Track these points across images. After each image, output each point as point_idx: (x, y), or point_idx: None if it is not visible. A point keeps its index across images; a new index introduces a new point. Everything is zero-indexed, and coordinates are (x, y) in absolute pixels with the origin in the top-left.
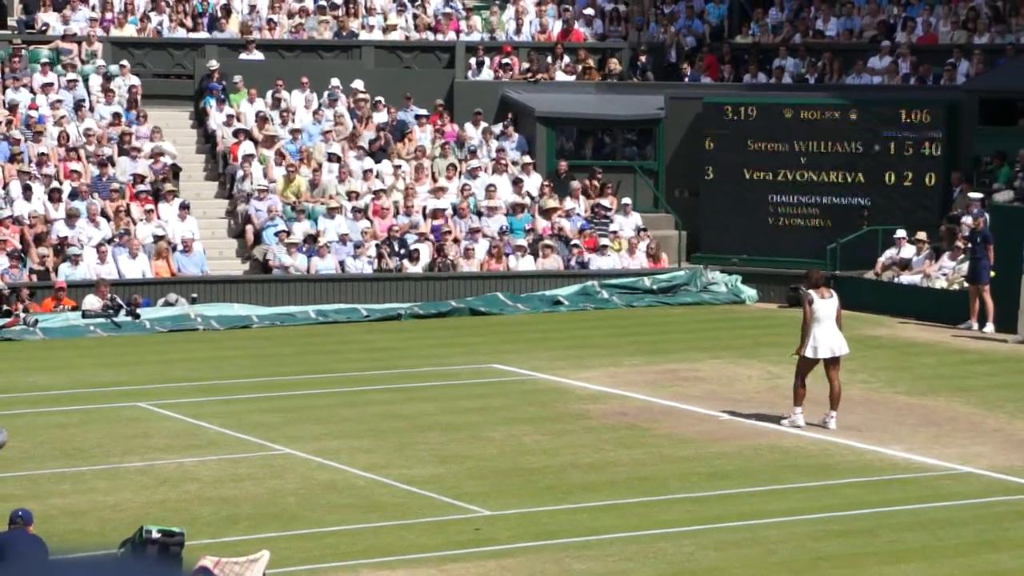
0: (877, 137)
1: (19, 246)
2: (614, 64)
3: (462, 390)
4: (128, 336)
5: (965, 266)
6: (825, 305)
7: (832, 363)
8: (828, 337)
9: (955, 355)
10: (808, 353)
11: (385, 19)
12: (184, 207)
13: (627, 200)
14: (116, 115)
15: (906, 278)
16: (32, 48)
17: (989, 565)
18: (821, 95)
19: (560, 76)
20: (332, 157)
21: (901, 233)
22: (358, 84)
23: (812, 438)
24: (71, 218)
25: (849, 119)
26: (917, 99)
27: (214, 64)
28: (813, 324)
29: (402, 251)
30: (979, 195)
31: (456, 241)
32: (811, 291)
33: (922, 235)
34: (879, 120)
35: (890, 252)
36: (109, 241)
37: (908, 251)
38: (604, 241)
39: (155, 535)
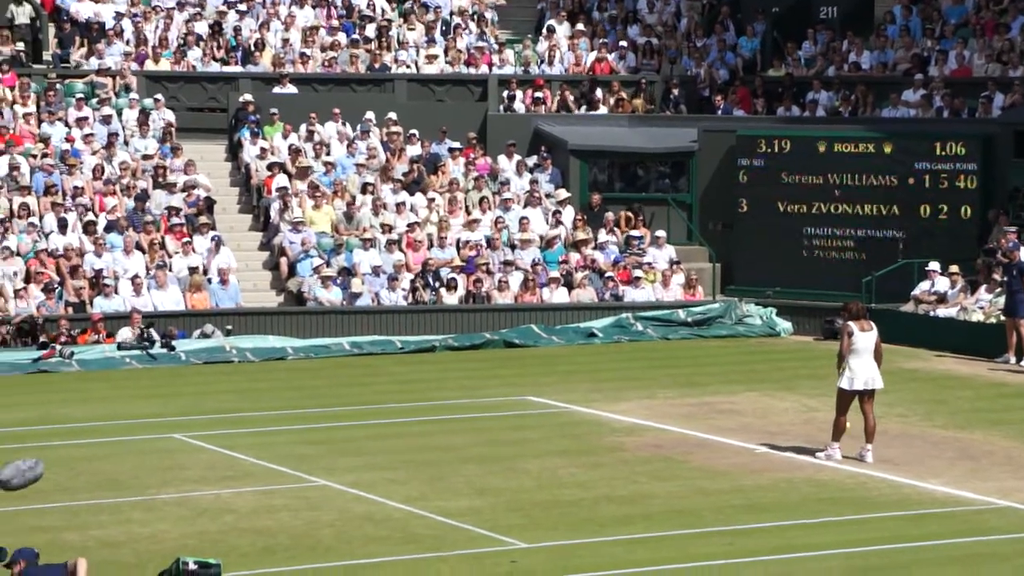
0: (911, 170)
1: (56, 278)
2: (638, 103)
3: (497, 422)
4: (163, 368)
5: (1002, 299)
6: (864, 337)
7: (867, 396)
8: (864, 369)
9: (992, 388)
10: (844, 384)
11: (417, 52)
12: (216, 241)
13: (661, 232)
14: (151, 148)
15: (942, 311)
16: (67, 82)
17: None
18: (855, 128)
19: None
20: (366, 189)
21: (934, 266)
22: (390, 115)
23: (849, 471)
24: (106, 251)
25: (883, 152)
26: (952, 132)
27: (248, 97)
28: (851, 356)
29: (436, 283)
30: (1013, 228)
31: (490, 273)
32: (851, 323)
33: (955, 268)
34: (913, 153)
35: (924, 285)
36: (145, 274)
37: (942, 284)
38: (638, 273)
39: (192, 567)
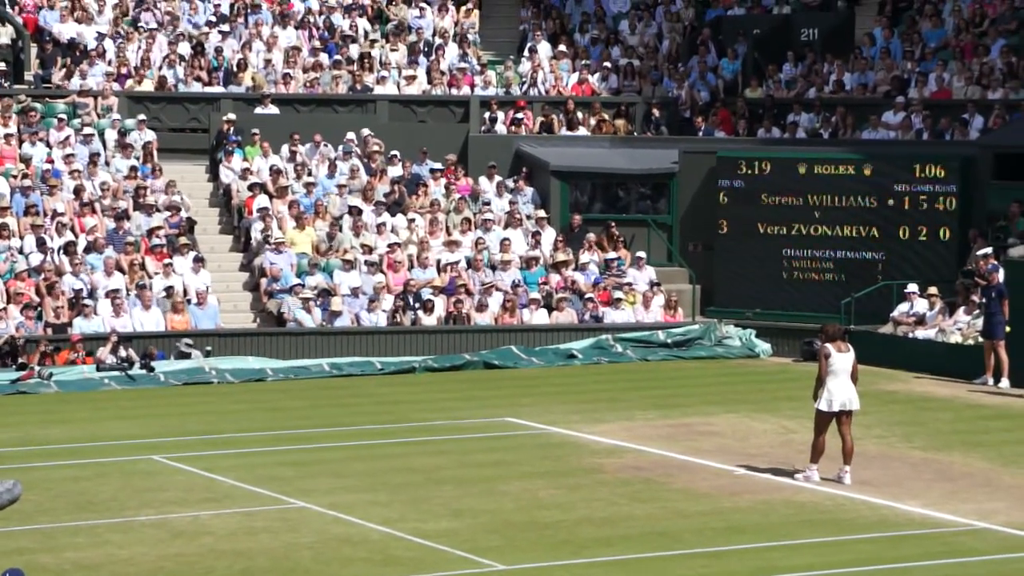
0: (891, 191)
1: (35, 299)
2: (620, 124)
3: (476, 444)
4: (143, 389)
5: (980, 321)
6: (841, 359)
7: (844, 417)
8: (842, 391)
9: (970, 410)
10: (823, 406)
11: (399, 73)
12: (198, 260)
13: (641, 254)
14: (132, 169)
15: (921, 333)
16: (48, 103)
17: None
18: (835, 150)
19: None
20: (347, 210)
21: (912, 288)
22: (365, 132)
23: (827, 493)
24: (86, 271)
25: (863, 174)
26: (931, 154)
27: (231, 116)
28: (828, 377)
29: (416, 304)
30: (988, 250)
31: (470, 294)
32: (828, 345)
33: (933, 290)
34: (893, 175)
35: (902, 307)
36: (125, 294)
37: (921, 305)
38: (618, 295)
39: None
